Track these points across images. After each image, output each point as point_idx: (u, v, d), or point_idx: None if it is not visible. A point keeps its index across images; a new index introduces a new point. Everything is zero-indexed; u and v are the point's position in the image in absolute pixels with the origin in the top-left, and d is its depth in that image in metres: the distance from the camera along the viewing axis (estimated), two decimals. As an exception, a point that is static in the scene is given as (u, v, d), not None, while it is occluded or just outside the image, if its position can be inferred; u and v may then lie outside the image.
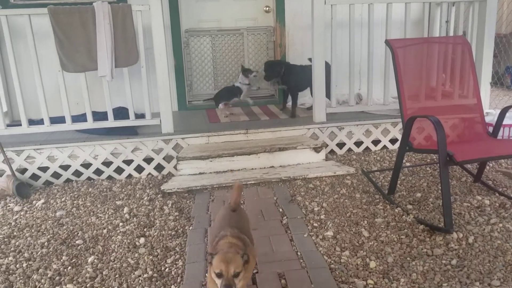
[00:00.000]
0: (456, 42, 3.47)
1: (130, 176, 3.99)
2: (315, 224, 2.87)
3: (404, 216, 2.91)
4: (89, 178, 3.95)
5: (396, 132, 4.33)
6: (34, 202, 3.52)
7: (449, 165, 2.69)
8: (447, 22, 4.90)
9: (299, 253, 2.52)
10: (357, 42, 4.32)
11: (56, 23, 3.61)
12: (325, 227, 2.82)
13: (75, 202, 3.48)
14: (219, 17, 5.17)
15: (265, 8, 5.19)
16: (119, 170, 3.97)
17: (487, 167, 3.67)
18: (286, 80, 4.66)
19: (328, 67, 4.27)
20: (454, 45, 3.43)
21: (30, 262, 2.60)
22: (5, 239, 2.91)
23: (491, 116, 4.09)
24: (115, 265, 2.53)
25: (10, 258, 2.65)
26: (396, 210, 3.01)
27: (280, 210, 3.13)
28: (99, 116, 4.05)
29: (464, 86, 3.37)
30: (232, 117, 4.62)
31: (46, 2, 4.49)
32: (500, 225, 2.72)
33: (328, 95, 4.30)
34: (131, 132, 4.02)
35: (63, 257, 2.64)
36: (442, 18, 4.42)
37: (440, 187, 3.30)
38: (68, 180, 3.93)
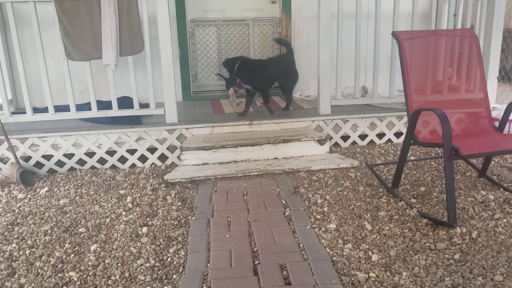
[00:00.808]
0: (463, 35, 3.43)
1: (133, 165, 3.99)
2: (318, 217, 2.86)
3: (407, 210, 2.89)
4: (92, 167, 3.96)
5: (401, 125, 4.31)
6: (38, 190, 3.53)
7: (454, 159, 2.66)
8: (455, 15, 4.85)
9: (301, 245, 2.52)
10: (363, 35, 4.28)
11: (61, 10, 3.60)
12: (328, 220, 2.82)
13: (78, 190, 3.48)
14: (225, 7, 5.14)
15: (271, -1, 5.16)
16: (122, 160, 3.97)
17: (492, 162, 3.64)
18: (245, 78, 4.29)
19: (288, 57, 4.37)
20: (462, 38, 3.39)
21: (33, 249, 2.62)
22: (9, 226, 2.92)
23: (497, 111, 4.05)
24: (117, 254, 2.53)
25: (14, 245, 2.66)
26: (399, 203, 3.00)
27: (283, 201, 3.12)
28: (104, 105, 4.04)
29: (471, 80, 3.34)
30: (237, 107, 4.60)
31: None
32: (504, 220, 2.70)
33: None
34: (135, 121, 4.01)
35: (66, 245, 2.65)
36: (450, 11, 4.38)
37: (444, 182, 3.28)
38: (72, 169, 3.94)
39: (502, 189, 3.16)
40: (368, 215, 2.86)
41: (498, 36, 4.26)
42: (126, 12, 3.68)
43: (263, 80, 4.33)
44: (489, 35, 4.26)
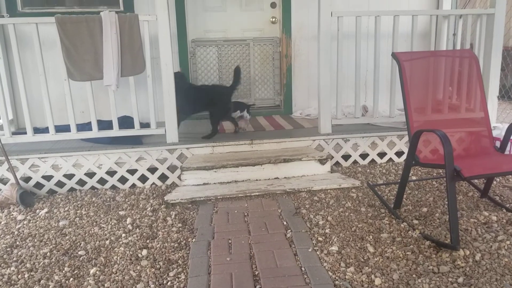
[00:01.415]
0: (463, 55, 3.45)
1: (134, 185, 3.98)
2: (320, 238, 2.84)
3: (410, 232, 2.87)
4: (92, 188, 3.94)
5: (402, 145, 4.30)
6: (37, 211, 3.51)
7: (456, 180, 2.65)
8: (454, 34, 4.88)
9: (303, 269, 2.49)
10: (363, 54, 4.31)
11: (63, 32, 3.62)
12: (330, 242, 2.79)
13: (78, 211, 3.46)
14: (225, 28, 5.18)
15: (271, 19, 5.20)
16: (123, 180, 3.95)
17: (494, 182, 3.63)
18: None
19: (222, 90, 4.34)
20: (461, 58, 3.41)
21: (32, 273, 2.58)
22: (8, 249, 2.89)
23: (498, 130, 4.05)
24: (117, 278, 2.50)
25: (12, 268, 2.63)
26: (402, 225, 2.97)
27: (285, 223, 3.10)
28: (104, 125, 4.04)
29: (471, 100, 3.35)
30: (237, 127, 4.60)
31: (53, 11, 4.58)
32: (508, 242, 2.68)
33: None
34: (136, 141, 4.01)
35: (65, 268, 2.62)
36: (450, 30, 4.40)
37: (446, 202, 3.27)
38: (72, 189, 3.92)
39: (504, 210, 3.14)
40: (371, 237, 2.83)
41: (498, 55, 4.29)
42: (128, 34, 3.71)
43: (183, 104, 4.11)
44: (488, 54, 4.29)
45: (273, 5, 5.18)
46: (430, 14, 4.76)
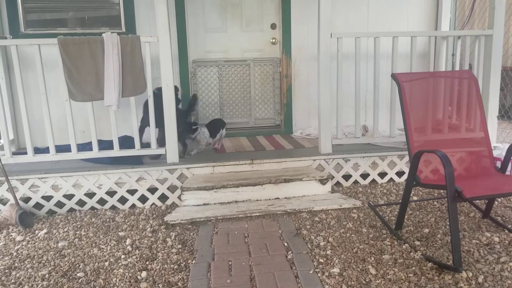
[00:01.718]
0: (462, 76, 3.48)
1: (133, 206, 3.96)
2: (321, 260, 2.81)
3: (412, 253, 2.84)
4: (92, 208, 3.93)
5: (403, 164, 4.30)
6: (36, 232, 3.49)
7: (457, 201, 2.64)
8: (453, 55, 4.92)
9: (304, 291, 2.46)
10: (362, 74, 4.34)
11: (66, 53, 3.65)
12: (331, 264, 2.76)
13: (77, 232, 3.44)
14: (226, 48, 5.23)
15: (271, 40, 5.25)
16: (122, 200, 3.94)
17: (496, 202, 3.61)
18: None
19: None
20: (461, 79, 3.44)
21: (29, 296, 2.56)
22: (6, 271, 2.86)
23: (498, 150, 4.05)
24: (116, 300, 2.47)
25: (10, 291, 2.61)
26: (403, 246, 2.95)
27: (285, 244, 3.07)
28: (105, 144, 4.04)
29: (471, 120, 3.35)
30: (238, 147, 4.59)
31: (56, 32, 4.62)
32: (511, 264, 2.65)
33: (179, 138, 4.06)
34: (136, 161, 4.01)
35: (64, 291, 2.59)
36: (449, 51, 4.44)
37: (448, 223, 3.24)
38: (71, 210, 3.90)
39: (506, 231, 3.12)
40: (372, 258, 2.80)
41: (497, 75, 4.32)
42: (129, 55, 3.74)
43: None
44: (487, 74, 4.32)
45: (273, 26, 5.24)
46: (428, 35, 4.81)
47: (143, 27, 4.82)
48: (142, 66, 3.80)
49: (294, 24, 5.16)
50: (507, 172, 3.14)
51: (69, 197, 3.88)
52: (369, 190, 4.12)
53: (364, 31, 5.15)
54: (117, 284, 2.65)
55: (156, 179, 3.94)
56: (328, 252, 2.91)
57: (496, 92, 4.35)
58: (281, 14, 5.15)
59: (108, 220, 3.67)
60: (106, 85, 3.72)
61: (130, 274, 2.74)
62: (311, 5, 4.97)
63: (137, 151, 3.95)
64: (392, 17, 5.28)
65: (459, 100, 3.38)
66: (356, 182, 4.31)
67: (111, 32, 3.72)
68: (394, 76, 3.22)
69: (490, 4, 4.27)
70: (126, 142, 4.08)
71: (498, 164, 3.20)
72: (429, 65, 4.48)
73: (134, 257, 2.98)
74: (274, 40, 5.25)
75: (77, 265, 2.90)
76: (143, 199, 3.97)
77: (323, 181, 3.94)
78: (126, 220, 3.65)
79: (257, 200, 3.85)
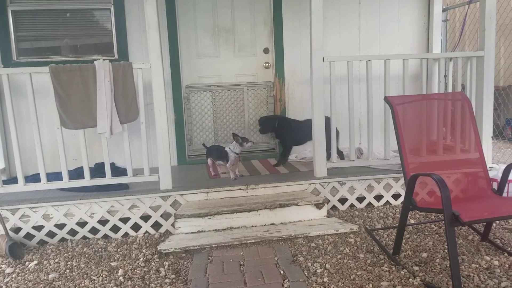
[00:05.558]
0: (455, 98, 3.48)
1: (126, 234, 3.88)
2: (318, 288, 2.74)
3: (410, 279, 2.78)
4: (84, 237, 3.84)
5: (399, 187, 4.26)
6: (27, 263, 3.40)
7: (455, 225, 2.59)
8: (445, 76, 4.95)
9: (301, 322, 2.39)
10: (356, 97, 4.34)
11: (57, 81, 3.63)
12: (328, 292, 2.70)
13: (68, 263, 3.36)
14: (219, 73, 5.23)
15: (264, 64, 5.27)
16: (115, 229, 3.86)
17: (494, 224, 3.57)
18: (280, 134, 4.86)
19: (327, 121, 4.25)
20: (454, 101, 3.43)
21: (17, 332, 2.47)
22: (-7, 305, 2.78)
23: (494, 171, 4.03)
24: (106, 335, 2.39)
25: (-3, 327, 2.52)
26: (402, 272, 2.88)
27: (282, 272, 3.00)
28: (92, 171, 3.99)
29: (466, 141, 3.34)
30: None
31: (48, 60, 4.61)
32: (512, 288, 2.60)
33: (329, 149, 4.26)
34: (121, 186, 3.97)
35: (53, 326, 2.51)
36: (441, 72, 4.46)
37: (446, 246, 3.19)
38: (63, 239, 3.82)
39: (506, 254, 3.07)
40: (371, 285, 2.74)
41: (490, 96, 4.32)
42: (122, 82, 3.73)
43: (298, 137, 4.82)
44: (480, 95, 4.32)
45: (266, 50, 5.26)
46: (420, 58, 4.83)
47: (135, 54, 4.83)
48: (134, 93, 3.78)
49: (286, 48, 5.18)
50: (504, 194, 3.11)
51: (61, 226, 3.80)
52: (365, 214, 4.07)
53: (356, 55, 5.18)
54: (108, 318, 2.56)
55: (149, 207, 3.88)
56: (325, 279, 2.85)
57: (489, 112, 4.35)
58: (273, 38, 5.18)
59: (100, 249, 3.59)
60: (99, 112, 3.70)
61: (121, 307, 2.66)
62: (302, 29, 5.01)
63: (129, 178, 3.90)
64: (384, 40, 5.32)
65: (453, 122, 3.38)
66: (352, 205, 4.26)
67: (103, 59, 3.71)
68: (387, 99, 3.22)
69: (480, 26, 4.31)
70: (115, 170, 4.03)
71: (495, 185, 3.17)
72: (422, 86, 4.49)
73: (126, 288, 2.90)
74: (267, 65, 5.27)
75: (67, 298, 2.82)
76: (136, 227, 3.89)
77: (319, 206, 3.89)
78: (119, 250, 3.57)
79: (252, 226, 3.79)
